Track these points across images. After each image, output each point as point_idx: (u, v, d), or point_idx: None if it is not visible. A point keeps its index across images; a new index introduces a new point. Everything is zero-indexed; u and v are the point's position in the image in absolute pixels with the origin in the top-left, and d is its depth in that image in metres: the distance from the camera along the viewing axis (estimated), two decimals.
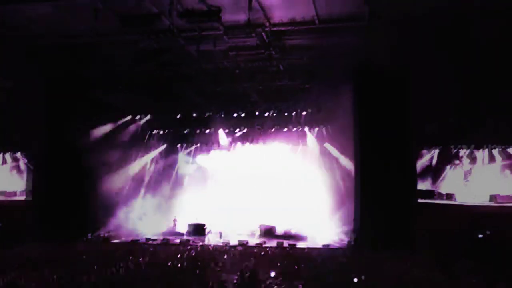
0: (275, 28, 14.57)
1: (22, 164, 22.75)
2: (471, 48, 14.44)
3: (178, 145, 24.70)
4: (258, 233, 19.86)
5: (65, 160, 17.84)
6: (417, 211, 16.22)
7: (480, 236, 15.62)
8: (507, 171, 17.83)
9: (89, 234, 18.56)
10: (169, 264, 12.12)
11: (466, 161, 17.69)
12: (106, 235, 19.03)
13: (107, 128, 20.05)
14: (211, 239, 19.14)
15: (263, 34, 14.57)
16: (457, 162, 17.77)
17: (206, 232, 19.99)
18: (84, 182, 18.59)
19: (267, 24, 14.26)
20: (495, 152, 17.79)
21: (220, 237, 19.27)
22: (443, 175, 18.11)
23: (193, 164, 24.52)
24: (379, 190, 15.78)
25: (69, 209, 17.73)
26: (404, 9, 13.15)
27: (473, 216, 16.44)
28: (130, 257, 12.93)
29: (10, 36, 15.25)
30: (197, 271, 11.24)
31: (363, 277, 10.10)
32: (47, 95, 18.13)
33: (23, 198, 21.66)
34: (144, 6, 13.03)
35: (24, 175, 22.52)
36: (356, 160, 17.12)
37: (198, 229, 20.34)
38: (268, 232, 20.11)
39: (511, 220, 15.97)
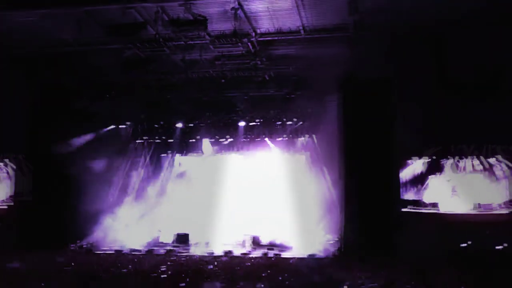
0: (261, 38, 14.67)
1: (4, 172, 22.30)
2: (456, 59, 14.67)
3: (163, 154, 24.52)
4: (248, 243, 19.71)
5: (48, 169, 17.64)
6: (401, 220, 16.32)
7: (463, 245, 15.76)
8: (489, 180, 17.95)
9: (72, 245, 18.29)
10: (152, 275, 11.96)
11: (449, 170, 17.80)
12: (89, 245, 18.77)
13: (91, 137, 19.86)
14: (196, 249, 18.99)
15: (249, 43, 14.64)
16: (440, 172, 17.88)
17: (191, 242, 19.82)
18: (67, 191, 18.35)
19: (253, 33, 14.33)
20: (477, 161, 17.91)
21: (205, 247, 19.13)
22: (425, 184, 18.20)
23: (178, 173, 24.34)
24: (363, 199, 15.86)
25: (52, 218, 17.48)
26: (389, 20, 13.32)
27: (456, 225, 16.57)
28: (113, 268, 12.76)
29: None
30: (182, 282, 11.10)
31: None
32: (29, 104, 17.93)
33: (4, 207, 21.23)
34: (130, 15, 12.99)
35: (6, 184, 22.06)
36: (341, 170, 17.20)
37: (183, 239, 20.17)
38: (254, 242, 20.00)
39: (493, 229, 16.14)
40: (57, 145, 17.29)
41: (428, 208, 17.88)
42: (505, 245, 15.55)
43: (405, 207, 17.42)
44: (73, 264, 13.73)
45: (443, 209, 17.49)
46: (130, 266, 13.32)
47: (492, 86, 15.29)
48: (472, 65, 14.70)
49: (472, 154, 17.39)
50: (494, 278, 11.19)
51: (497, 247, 15.52)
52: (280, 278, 11.61)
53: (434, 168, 17.88)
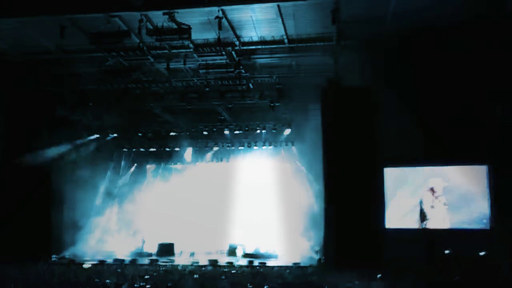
0: (244, 47, 14.77)
1: None
2: (440, 67, 14.91)
3: (146, 163, 24.39)
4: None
5: (28, 178, 17.36)
6: (384, 232, 16.44)
7: (447, 252, 15.92)
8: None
9: (53, 256, 18.00)
10: (135, 286, 11.84)
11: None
12: (71, 256, 18.50)
13: (73, 146, 19.64)
14: (181, 259, 18.86)
15: (233, 52, 14.72)
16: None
17: (175, 252, 19.68)
18: (48, 201, 18.08)
19: (237, 42, 14.42)
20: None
21: (190, 257, 19.02)
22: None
23: (162, 182, 24.19)
24: (345, 209, 15.91)
25: (32, 229, 17.19)
26: (372, 29, 13.53)
27: (437, 238, 16.68)
28: (97, 279, 12.59)
29: None
30: None
31: None
32: (10, 112, 17.68)
33: None
34: (113, 23, 12.97)
35: None
36: (324, 179, 17.24)
37: (167, 249, 20.02)
38: (237, 251, 19.93)
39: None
40: (39, 155, 17.04)
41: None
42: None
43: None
44: (53, 275, 13.52)
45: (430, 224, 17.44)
46: (112, 277, 13.16)
47: None
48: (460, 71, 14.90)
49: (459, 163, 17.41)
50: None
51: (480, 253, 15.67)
52: (266, 286, 11.60)
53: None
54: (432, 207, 17.16)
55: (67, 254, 18.73)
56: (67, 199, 18.66)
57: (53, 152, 18.30)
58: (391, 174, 17.71)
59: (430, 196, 17.38)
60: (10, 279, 12.42)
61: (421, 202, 17.34)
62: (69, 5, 12.26)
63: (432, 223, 17.10)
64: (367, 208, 15.94)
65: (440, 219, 17.11)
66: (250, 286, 11.55)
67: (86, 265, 16.83)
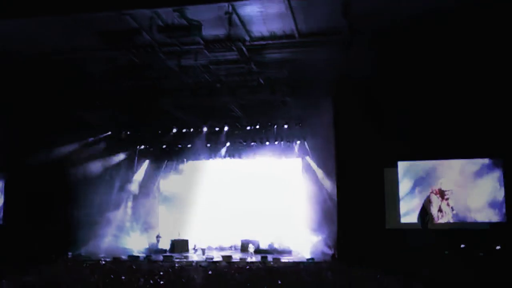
0: (255, 42, 14.68)
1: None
2: (451, 63, 14.72)
3: (160, 160, 24.49)
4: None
5: (44, 178, 17.57)
6: (398, 227, 16.36)
7: (462, 246, 15.78)
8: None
9: (69, 253, 18.21)
10: (151, 281, 11.90)
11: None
12: (87, 253, 18.69)
13: (87, 143, 19.81)
14: (195, 255, 18.95)
15: (243, 48, 14.66)
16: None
17: (189, 248, 19.78)
18: (64, 200, 18.28)
19: (247, 38, 14.36)
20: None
21: (203, 253, 19.09)
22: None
23: (174, 178, 24.31)
24: (358, 204, 15.86)
25: (49, 228, 17.42)
26: (384, 23, 13.37)
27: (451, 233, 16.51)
28: (112, 276, 12.68)
29: None
30: None
31: None
32: (24, 112, 17.90)
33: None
34: (124, 21, 13.00)
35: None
36: (336, 174, 17.19)
37: (181, 245, 20.12)
38: (250, 247, 19.97)
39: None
40: (54, 153, 17.20)
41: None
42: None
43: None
44: (70, 273, 13.66)
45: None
46: (127, 274, 13.25)
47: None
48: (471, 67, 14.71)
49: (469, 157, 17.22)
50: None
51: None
52: (280, 282, 11.59)
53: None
54: (444, 202, 17.04)
55: (82, 251, 18.93)
56: (82, 196, 18.83)
57: (67, 150, 18.50)
58: (404, 169, 17.59)
59: (441, 191, 17.25)
60: (28, 277, 12.60)
61: (431, 198, 17.22)
62: (80, 3, 12.30)
63: (444, 218, 16.97)
64: (380, 204, 15.90)
65: (451, 214, 16.98)
66: (264, 282, 11.56)
67: (102, 262, 17.00)
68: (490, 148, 16.46)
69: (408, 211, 17.22)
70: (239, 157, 23.37)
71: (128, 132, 22.22)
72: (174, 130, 22.03)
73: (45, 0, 12.25)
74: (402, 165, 17.54)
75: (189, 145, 23.13)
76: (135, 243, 20.55)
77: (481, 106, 15.67)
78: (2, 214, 19.77)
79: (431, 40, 14.11)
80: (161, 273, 13.24)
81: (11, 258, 16.36)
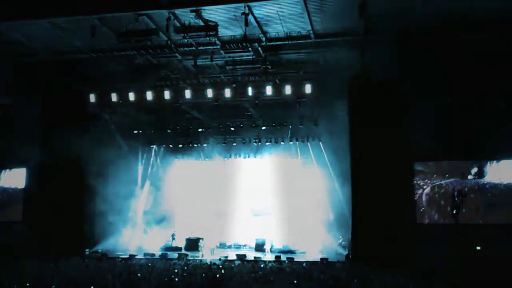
0: (271, 43, 14.74)
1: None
2: (466, 62, 14.59)
3: (176, 159, 24.66)
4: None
5: (63, 175, 17.85)
6: (415, 227, 16.24)
7: (478, 248, 15.62)
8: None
9: (86, 250, 18.47)
10: (165, 279, 12.04)
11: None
12: (103, 250, 18.94)
13: (104, 143, 19.99)
14: (208, 254, 19.05)
15: (259, 48, 14.72)
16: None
17: (202, 247, 19.86)
18: (82, 197, 18.53)
19: (263, 38, 14.41)
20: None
21: (212, 253, 19.18)
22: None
23: (190, 177, 24.42)
24: (373, 204, 15.77)
25: (67, 224, 17.67)
26: (399, 23, 13.32)
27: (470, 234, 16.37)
28: (128, 273, 12.84)
29: (7, 52, 15.39)
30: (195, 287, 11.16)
31: None
32: (45, 110, 18.26)
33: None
34: (142, 22, 13.17)
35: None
36: (351, 174, 17.08)
37: (194, 244, 20.22)
38: (265, 246, 19.99)
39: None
40: (72, 151, 17.41)
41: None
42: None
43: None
44: (87, 269, 13.88)
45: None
46: (142, 271, 13.41)
47: None
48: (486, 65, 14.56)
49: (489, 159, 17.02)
50: None
51: None
52: (295, 281, 11.63)
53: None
54: (464, 202, 16.87)
55: (99, 248, 19.18)
56: (99, 193, 19.03)
57: (85, 147, 18.72)
58: (422, 169, 17.47)
59: (463, 192, 17.08)
60: (47, 273, 12.84)
61: (455, 197, 17.06)
62: (99, 5, 12.51)
63: (465, 218, 16.80)
64: (396, 203, 15.74)
65: (473, 214, 16.80)
66: (278, 281, 11.61)
67: (118, 259, 17.20)
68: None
69: (424, 211, 17.13)
70: (254, 156, 23.38)
71: (145, 131, 22.40)
72: (190, 129, 22.14)
73: (65, 2, 12.49)
74: (420, 165, 17.44)
75: (205, 144, 23.22)
76: (151, 241, 20.73)
77: (504, 104, 15.51)
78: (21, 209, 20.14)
79: (450, 38, 14.02)
80: (176, 271, 13.37)
81: (29, 253, 16.74)
